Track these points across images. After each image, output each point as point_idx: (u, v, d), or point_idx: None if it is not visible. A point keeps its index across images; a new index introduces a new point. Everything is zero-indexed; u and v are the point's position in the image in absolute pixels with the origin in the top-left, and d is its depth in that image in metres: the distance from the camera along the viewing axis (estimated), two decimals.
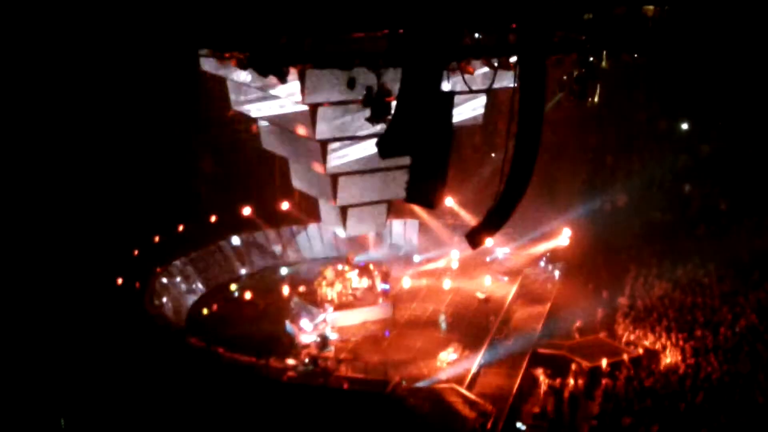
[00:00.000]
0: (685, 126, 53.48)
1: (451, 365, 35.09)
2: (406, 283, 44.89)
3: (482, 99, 36.34)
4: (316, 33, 24.49)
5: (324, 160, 36.15)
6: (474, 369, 34.53)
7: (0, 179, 39.09)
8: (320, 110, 33.67)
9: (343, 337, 38.41)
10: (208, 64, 37.25)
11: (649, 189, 51.03)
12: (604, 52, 29.37)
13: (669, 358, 35.18)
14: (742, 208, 47.38)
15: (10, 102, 38.68)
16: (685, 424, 29.83)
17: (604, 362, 35.16)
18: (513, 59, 27.74)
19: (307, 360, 35.12)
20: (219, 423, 31.22)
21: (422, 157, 15.68)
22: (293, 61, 28.92)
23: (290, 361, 35.23)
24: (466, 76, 26.65)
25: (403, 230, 51.95)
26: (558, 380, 35.23)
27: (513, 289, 43.59)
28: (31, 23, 23.42)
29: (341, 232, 41.97)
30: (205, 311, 42.66)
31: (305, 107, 33.78)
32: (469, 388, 33.07)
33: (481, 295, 42.72)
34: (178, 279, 44.60)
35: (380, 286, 42.18)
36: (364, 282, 42.01)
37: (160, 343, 35.40)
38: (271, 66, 26.09)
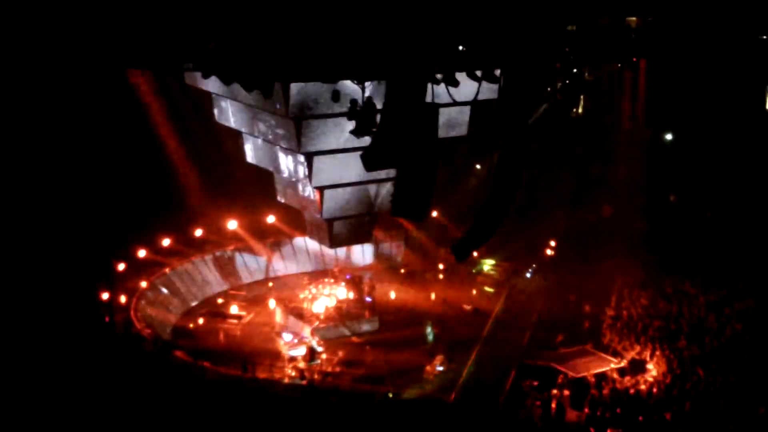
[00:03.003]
0: (669, 136, 53.72)
1: (438, 377, 35.04)
2: (393, 295, 44.84)
3: (467, 111, 36.35)
4: (300, 47, 24.56)
5: (309, 174, 36.11)
6: (461, 380, 34.49)
7: None
8: (305, 124, 33.66)
9: (330, 350, 38.29)
10: (192, 78, 37.23)
11: (634, 199, 51.19)
12: (588, 64, 29.55)
13: (655, 368, 35.24)
14: (727, 217, 47.61)
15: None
16: None
17: (590, 372, 35.19)
18: (497, 71, 27.89)
19: (293, 373, 35.04)
20: None
21: (408, 170, 15.70)
22: (278, 74, 28.98)
23: (277, 375, 35.14)
24: (451, 88, 26.69)
25: (389, 243, 51.88)
26: (545, 391, 35.24)
27: (500, 301, 43.58)
28: (22, 32, 23.40)
29: (327, 246, 41.90)
30: (191, 325, 42.47)
31: (289, 121, 33.76)
32: (457, 399, 33.02)
33: (467, 307, 42.71)
34: (164, 293, 44.40)
35: (366, 298, 42.14)
36: (351, 295, 41.95)
37: (146, 358, 35.24)
38: (255, 80, 26.13)
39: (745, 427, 29.78)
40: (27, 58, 25.28)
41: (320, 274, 45.37)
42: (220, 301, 45.72)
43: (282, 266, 50.26)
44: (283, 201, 42.33)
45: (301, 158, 35.98)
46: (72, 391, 31.90)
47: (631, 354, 36.72)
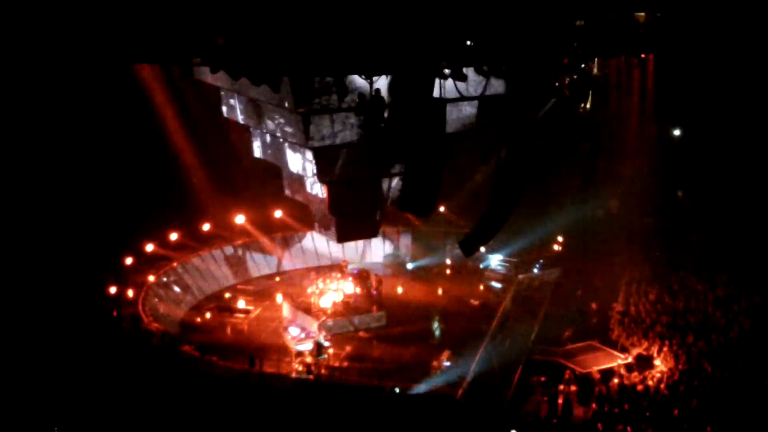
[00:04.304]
0: (677, 131, 53.58)
1: (445, 372, 35.05)
2: (400, 290, 44.84)
3: (474, 106, 36.31)
4: (308, 41, 24.54)
5: (317, 168, 36.12)
6: (468, 376, 34.50)
7: None
8: (312, 119, 33.64)
9: (337, 345, 38.33)
10: (201, 73, 37.25)
11: (641, 195, 51.08)
12: (596, 59, 29.47)
13: (662, 363, 35.19)
14: (735, 213, 47.47)
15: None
16: (679, 429, 29.85)
17: (597, 368, 35.17)
18: (505, 66, 27.83)
19: (301, 367, 35.08)
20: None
21: (415, 165, 15.71)
22: (286, 69, 28.98)
23: (284, 369, 35.18)
24: (458, 83, 26.66)
25: (396, 237, 51.89)
26: (552, 387, 35.23)
27: (507, 296, 43.58)
28: (27, 30, 23.44)
29: (334, 240, 41.94)
30: (198, 319, 42.57)
31: (297, 116, 33.75)
32: (464, 395, 33.03)
33: (474, 302, 42.71)
34: (172, 287, 44.52)
35: (373, 293, 42.15)
36: (358, 290, 41.96)
37: (153, 352, 35.31)
38: (263, 75, 26.11)
39: (752, 423, 29.75)
40: (37, 54, 25.32)
41: (327, 268, 45.39)
42: (227, 295, 45.83)
43: (289, 261, 50.32)
44: (290, 196, 42.37)
45: (309, 153, 35.99)
46: (80, 385, 32.02)
47: (639, 350, 36.68)
